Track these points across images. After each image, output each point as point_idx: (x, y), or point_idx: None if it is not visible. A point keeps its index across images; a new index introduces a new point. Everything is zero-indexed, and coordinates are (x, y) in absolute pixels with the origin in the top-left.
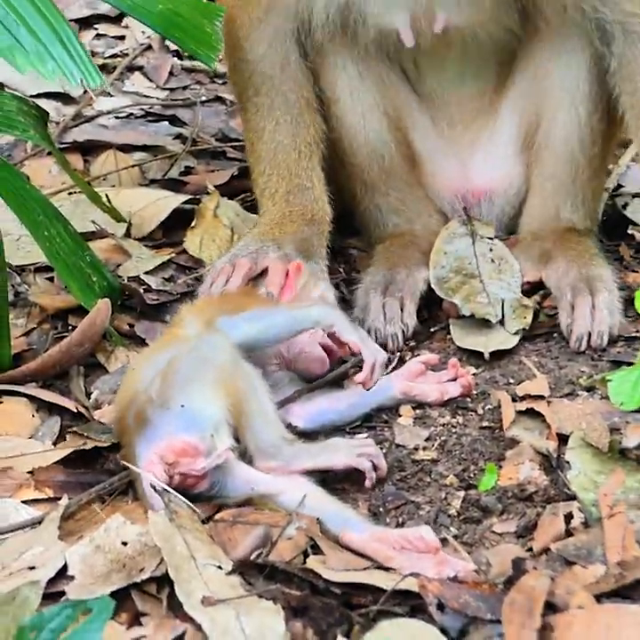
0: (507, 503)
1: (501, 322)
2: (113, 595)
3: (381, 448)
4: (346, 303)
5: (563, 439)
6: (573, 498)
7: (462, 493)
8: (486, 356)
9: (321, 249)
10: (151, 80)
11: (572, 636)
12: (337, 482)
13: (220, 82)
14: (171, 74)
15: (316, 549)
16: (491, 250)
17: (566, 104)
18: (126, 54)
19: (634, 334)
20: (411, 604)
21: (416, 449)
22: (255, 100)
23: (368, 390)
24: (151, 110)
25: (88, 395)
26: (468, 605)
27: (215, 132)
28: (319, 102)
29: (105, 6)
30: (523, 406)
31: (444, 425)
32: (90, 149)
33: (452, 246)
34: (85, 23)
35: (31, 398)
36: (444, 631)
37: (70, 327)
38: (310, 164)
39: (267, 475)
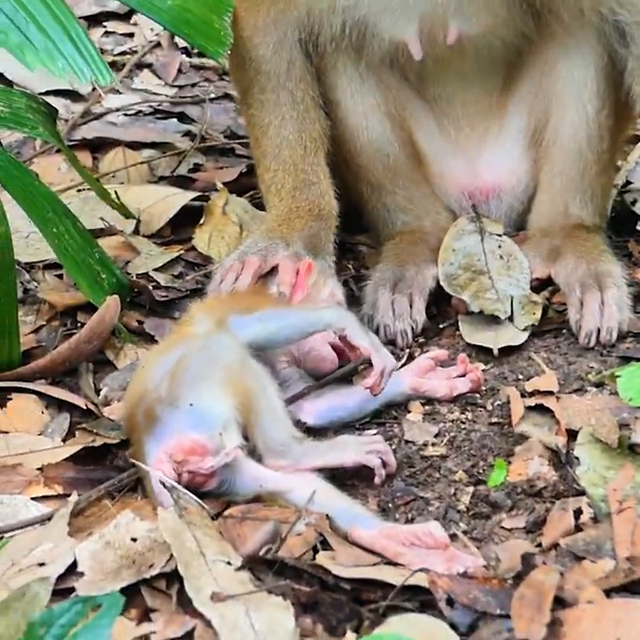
0: (516, 499)
1: (510, 318)
2: (122, 591)
3: (390, 444)
4: (355, 300)
5: (572, 435)
6: (582, 493)
7: (471, 489)
8: (495, 352)
9: (328, 245)
10: (160, 77)
11: (582, 630)
12: (346, 478)
13: (229, 79)
14: (179, 71)
15: (326, 545)
16: (499, 246)
17: (574, 101)
18: (135, 52)
19: None
20: (420, 599)
21: (425, 445)
22: (260, 97)
23: (375, 396)
24: (160, 107)
25: (97, 391)
26: (478, 600)
27: (224, 129)
28: (324, 103)
29: (114, 3)
30: (532, 402)
31: (453, 421)
32: (99, 146)
33: (460, 243)
34: (94, 20)
35: (40, 395)
36: (453, 626)
37: (79, 324)
38: (316, 159)
39: (275, 472)
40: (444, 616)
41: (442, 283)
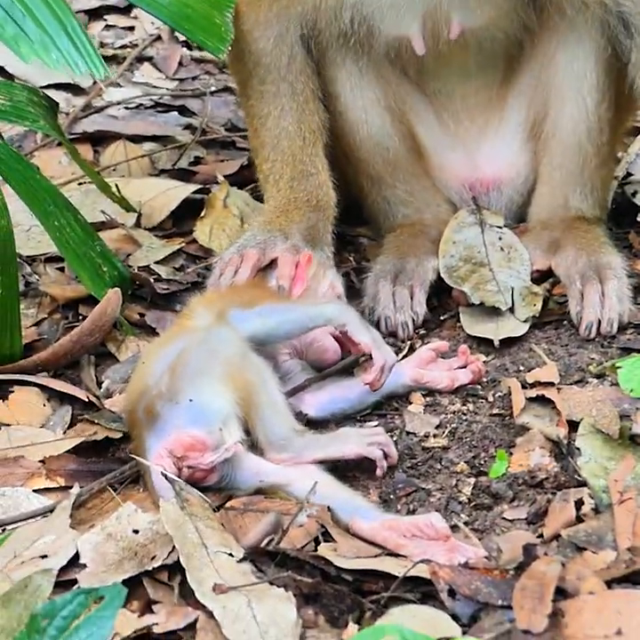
0: (517, 490)
1: (511, 310)
2: (125, 582)
3: (392, 436)
4: (356, 292)
5: (573, 426)
6: (584, 484)
7: (473, 480)
8: (496, 343)
9: (327, 235)
10: (160, 71)
11: (583, 621)
12: (348, 470)
13: (229, 72)
14: (180, 64)
15: (328, 537)
16: (500, 238)
17: (574, 94)
18: (136, 45)
19: None
20: (422, 590)
21: (427, 436)
22: (260, 88)
23: (375, 391)
24: (161, 101)
25: (99, 384)
26: (479, 591)
27: (224, 122)
28: (323, 96)
29: None
30: (533, 393)
31: (454, 412)
32: (100, 140)
33: (461, 235)
34: (95, 14)
35: (42, 388)
36: (455, 617)
37: (81, 317)
38: (314, 150)
39: (276, 465)
40: (446, 607)
41: (442, 275)
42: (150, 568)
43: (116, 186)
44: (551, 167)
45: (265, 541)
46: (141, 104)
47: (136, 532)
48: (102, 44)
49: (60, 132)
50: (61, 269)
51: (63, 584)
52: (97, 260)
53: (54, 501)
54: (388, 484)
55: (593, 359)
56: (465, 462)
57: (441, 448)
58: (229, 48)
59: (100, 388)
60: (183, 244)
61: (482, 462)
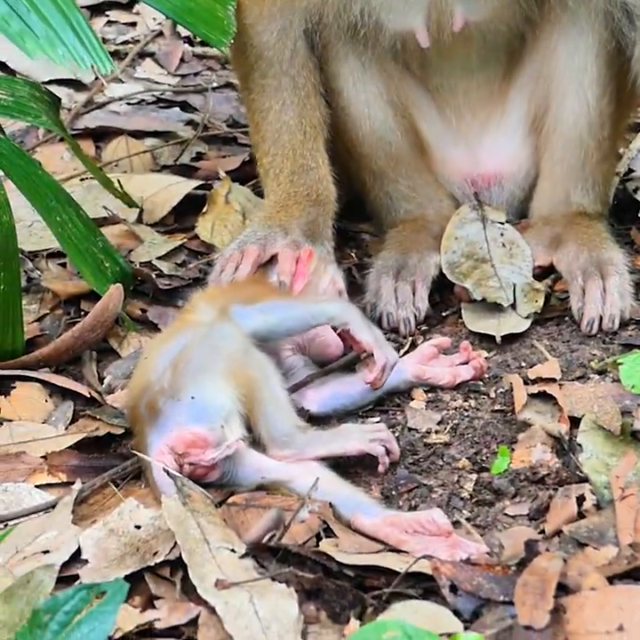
0: (519, 486)
1: (513, 306)
2: (127, 578)
3: (394, 432)
4: (358, 288)
5: (574, 422)
6: (585, 480)
7: (475, 476)
8: (498, 339)
9: (327, 230)
10: (162, 66)
11: (585, 617)
12: (350, 466)
13: (231, 68)
14: (182, 60)
15: (329, 532)
16: (502, 234)
17: (575, 87)
18: (138, 41)
19: None
20: (424, 586)
21: (428, 432)
22: (261, 82)
23: (376, 390)
24: (162, 96)
25: (101, 380)
26: (481, 587)
27: (226, 117)
28: (325, 91)
29: None
30: (535, 389)
31: (456, 408)
32: (102, 135)
33: (463, 231)
34: (97, 10)
35: (44, 383)
36: (456, 613)
37: (83, 312)
38: (315, 145)
39: (278, 462)
40: (448, 603)
41: (444, 271)
42: (152, 563)
43: (118, 181)
44: (552, 162)
45: (267, 537)
46: (143, 100)
47: (138, 527)
48: (104, 40)
49: (62, 127)
50: (63, 265)
51: (65, 579)
52: (99, 256)
53: (56, 497)
54: (389, 480)
55: (594, 355)
56: (467, 458)
57: (443, 444)
58: (231, 42)
59: (102, 383)
60: (185, 240)
61: (483, 458)
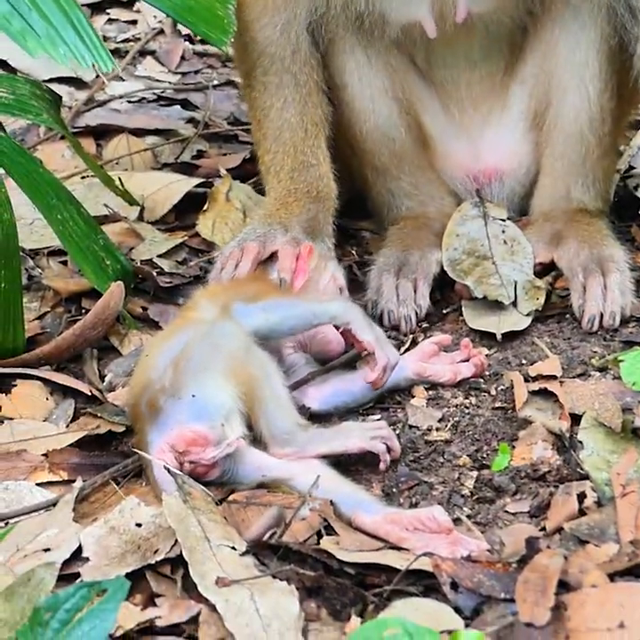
0: (520, 483)
1: (514, 303)
2: (127, 576)
3: (394, 429)
4: (359, 285)
5: (575, 419)
6: (586, 477)
7: (475, 473)
8: (499, 337)
9: (327, 227)
10: (163, 64)
11: (586, 614)
12: (350, 463)
13: (232, 66)
14: (182, 58)
15: (330, 530)
16: (503, 231)
17: (576, 82)
18: (138, 39)
19: None
20: (424, 583)
21: (429, 430)
22: (263, 79)
23: (377, 390)
24: (163, 94)
25: (102, 378)
26: (482, 584)
27: (227, 115)
28: (328, 88)
29: None
30: (535, 387)
31: (457, 406)
32: (102, 133)
33: (464, 228)
34: (97, 8)
35: (45, 381)
36: (457, 610)
37: (84, 310)
38: (316, 142)
39: (279, 460)
40: (449, 600)
41: (446, 268)
42: (153, 561)
43: (119, 179)
44: (553, 158)
45: (267, 535)
46: (144, 98)
47: (139, 525)
48: (105, 38)
49: (63, 125)
50: (64, 263)
51: (66, 577)
52: (100, 254)
53: (57, 495)
54: (390, 477)
55: (595, 352)
56: (467, 456)
57: (443, 441)
58: (233, 39)
59: (103, 381)
60: (186, 238)
61: (484, 455)
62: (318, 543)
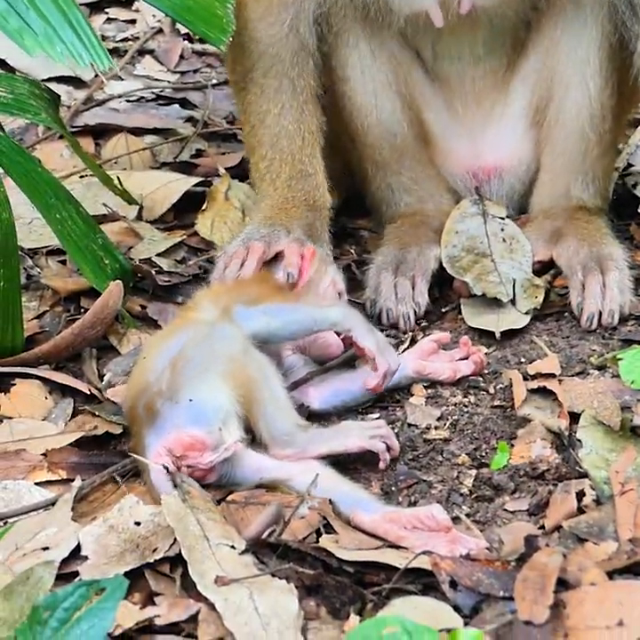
0: (519, 481)
1: (512, 301)
2: (126, 575)
3: (393, 428)
4: (357, 284)
5: (574, 417)
6: (585, 476)
7: (474, 472)
8: (497, 335)
9: (324, 234)
10: (162, 63)
11: (585, 612)
12: (349, 462)
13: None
14: (181, 57)
15: (329, 528)
16: (502, 229)
17: (577, 79)
18: (137, 38)
19: None
20: (423, 582)
21: (428, 428)
22: (262, 82)
23: (376, 395)
24: (162, 93)
25: (101, 377)
26: (481, 583)
27: (226, 114)
28: (325, 90)
29: None
30: (534, 385)
31: (455, 404)
32: (101, 133)
33: (463, 226)
34: (96, 7)
35: (44, 380)
36: (456, 608)
37: (83, 309)
38: (313, 151)
39: (277, 461)
40: (448, 598)
41: (445, 265)
42: (152, 560)
43: (118, 178)
44: (553, 155)
45: (266, 533)
46: (143, 97)
47: (138, 524)
48: (103, 37)
49: (62, 124)
50: (63, 262)
51: (65, 576)
52: (98, 253)
53: (56, 494)
54: (389, 476)
55: (594, 351)
56: (466, 454)
57: (442, 440)
58: (231, 40)
59: (102, 380)
60: (185, 237)
61: (483, 454)
62: (317, 542)
